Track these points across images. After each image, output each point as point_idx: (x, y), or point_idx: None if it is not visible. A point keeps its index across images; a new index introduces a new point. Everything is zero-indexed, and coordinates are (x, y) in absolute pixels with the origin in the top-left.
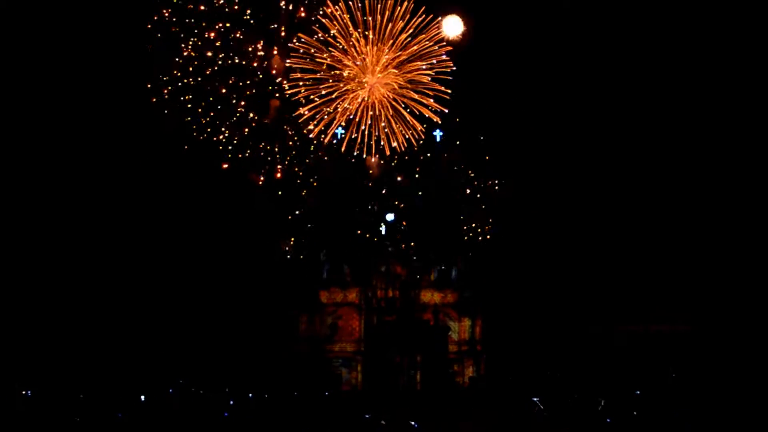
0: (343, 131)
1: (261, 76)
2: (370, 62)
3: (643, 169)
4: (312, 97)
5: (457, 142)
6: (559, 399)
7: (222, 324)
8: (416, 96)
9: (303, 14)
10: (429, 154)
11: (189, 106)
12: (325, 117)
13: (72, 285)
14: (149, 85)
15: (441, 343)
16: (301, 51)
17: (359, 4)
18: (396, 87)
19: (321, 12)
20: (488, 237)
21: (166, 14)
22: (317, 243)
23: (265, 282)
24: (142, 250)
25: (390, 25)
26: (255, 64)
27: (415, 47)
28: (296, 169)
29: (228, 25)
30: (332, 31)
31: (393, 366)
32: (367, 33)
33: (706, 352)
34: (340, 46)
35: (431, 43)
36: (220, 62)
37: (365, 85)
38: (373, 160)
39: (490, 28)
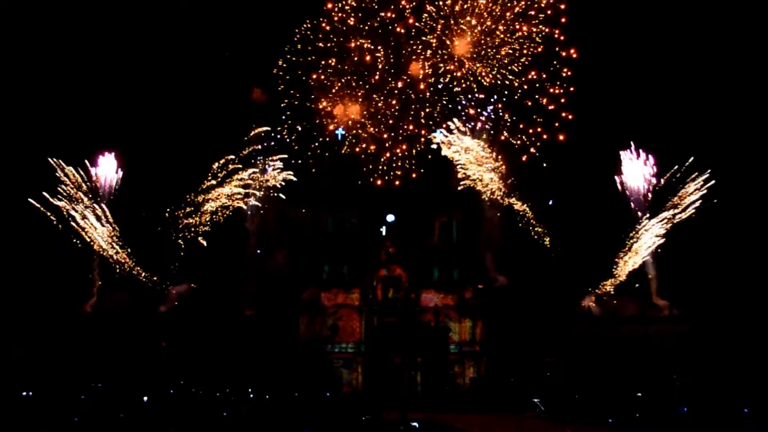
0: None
1: None
2: None
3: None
4: None
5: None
6: (559, 399)
7: (222, 325)
8: None
9: None
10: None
11: None
12: None
13: (74, 286)
14: None
15: (441, 344)
16: None
17: None
18: None
19: None
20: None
21: None
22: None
23: (266, 284)
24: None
25: None
26: None
27: None
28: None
29: None
30: None
31: (394, 367)
32: None
33: (706, 352)
34: None
35: None
36: None
37: None
38: None
39: None
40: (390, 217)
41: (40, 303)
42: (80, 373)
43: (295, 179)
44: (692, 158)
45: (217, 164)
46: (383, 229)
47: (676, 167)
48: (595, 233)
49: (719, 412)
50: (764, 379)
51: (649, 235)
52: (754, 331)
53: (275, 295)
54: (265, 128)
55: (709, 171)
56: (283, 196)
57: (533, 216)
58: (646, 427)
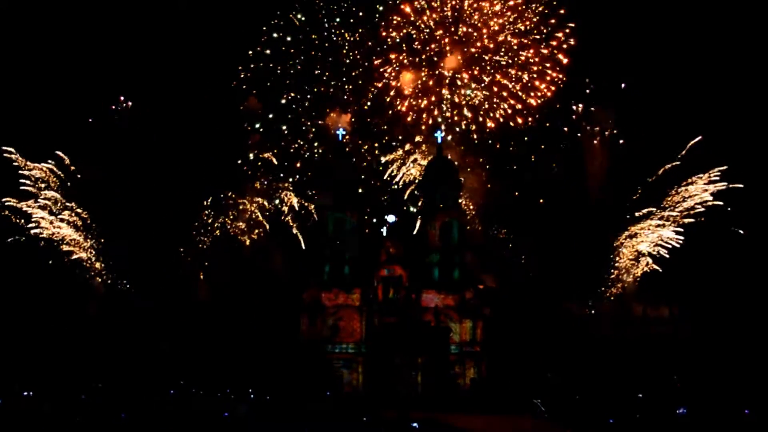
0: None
1: None
2: None
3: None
4: None
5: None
6: (560, 400)
7: (223, 326)
8: None
9: None
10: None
11: None
12: None
13: (76, 290)
14: None
15: (442, 344)
16: None
17: None
18: None
19: None
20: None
21: None
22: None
23: (267, 284)
24: (145, 255)
25: None
26: None
27: None
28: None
29: None
30: None
31: (394, 367)
32: None
33: (707, 353)
34: None
35: None
36: None
37: None
38: None
39: None
40: (390, 218)
41: (41, 305)
42: (81, 374)
43: (306, 205)
44: (699, 136)
45: (210, 200)
46: (384, 230)
47: (679, 158)
48: (584, 241)
49: (719, 413)
50: (765, 380)
51: (635, 243)
52: (754, 332)
53: (276, 295)
54: (267, 153)
55: (724, 167)
56: (293, 229)
57: (515, 240)
58: (647, 428)
